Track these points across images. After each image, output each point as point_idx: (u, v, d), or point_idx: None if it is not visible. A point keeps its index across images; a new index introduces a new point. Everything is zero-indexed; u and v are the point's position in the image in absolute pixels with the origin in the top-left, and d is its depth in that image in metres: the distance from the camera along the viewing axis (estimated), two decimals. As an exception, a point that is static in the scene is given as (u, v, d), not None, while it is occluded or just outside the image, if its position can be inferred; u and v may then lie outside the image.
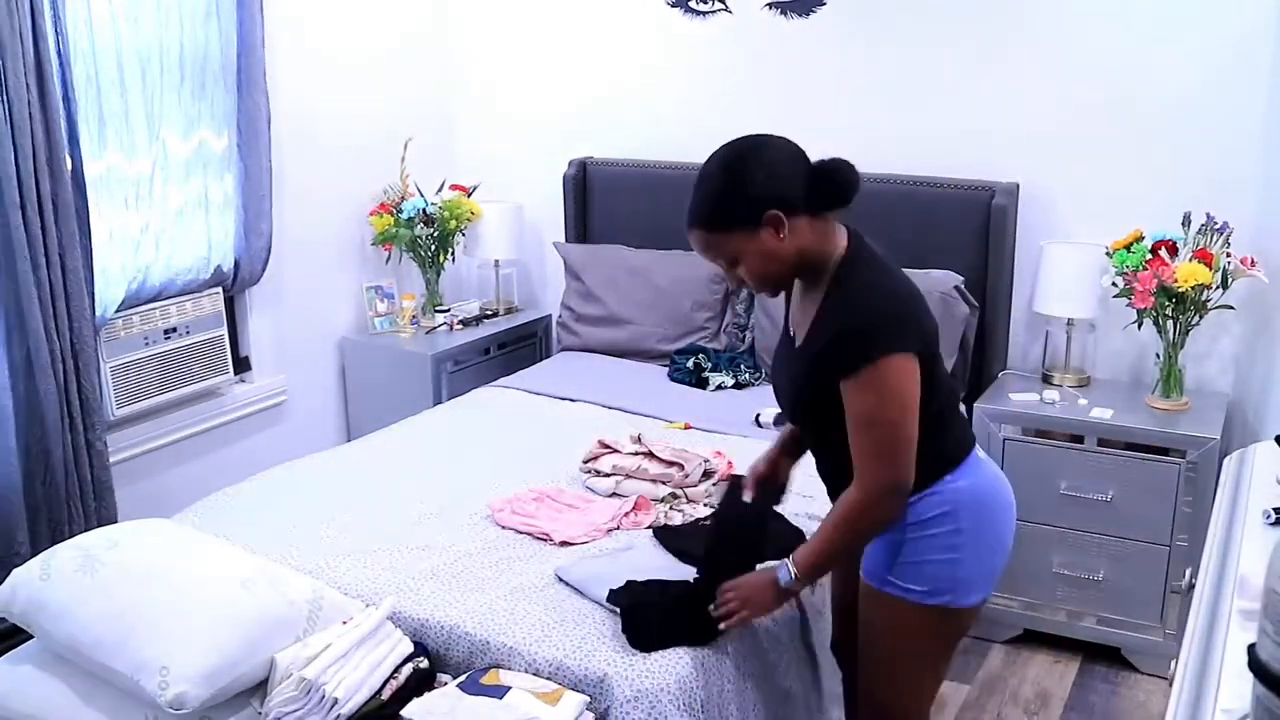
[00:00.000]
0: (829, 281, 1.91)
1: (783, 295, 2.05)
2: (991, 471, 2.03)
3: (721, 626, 2.05)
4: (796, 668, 2.36)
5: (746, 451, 2.85)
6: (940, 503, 1.93)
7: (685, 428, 3.16)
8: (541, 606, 2.20)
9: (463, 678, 2.03)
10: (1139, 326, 3.19)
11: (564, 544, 2.46)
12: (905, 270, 2.05)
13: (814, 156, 1.95)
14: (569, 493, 2.72)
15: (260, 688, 2.04)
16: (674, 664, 2.03)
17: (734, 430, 3.11)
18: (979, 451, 2.03)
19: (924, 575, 1.94)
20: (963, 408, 2.22)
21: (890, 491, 1.87)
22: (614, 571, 2.24)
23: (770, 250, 1.87)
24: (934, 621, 1.97)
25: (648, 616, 2.07)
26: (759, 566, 2.09)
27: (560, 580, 2.29)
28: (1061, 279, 3.27)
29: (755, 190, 1.84)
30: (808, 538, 2.15)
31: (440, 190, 4.08)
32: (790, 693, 2.35)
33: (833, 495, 2.03)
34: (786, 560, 1.98)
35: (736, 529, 2.15)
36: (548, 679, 2.02)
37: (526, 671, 2.05)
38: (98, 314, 2.94)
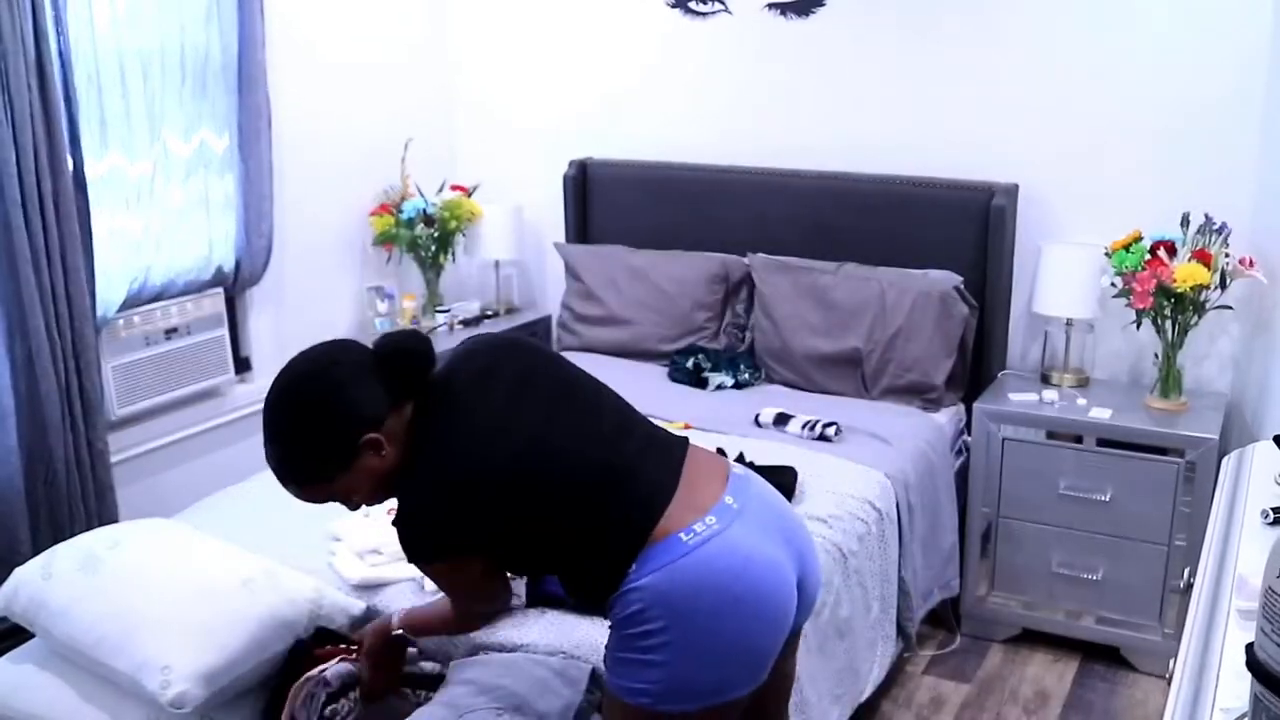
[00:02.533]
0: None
1: None
2: (712, 555, 1.64)
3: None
4: (799, 669, 2.36)
5: (746, 451, 2.87)
6: (630, 603, 1.64)
7: (685, 428, 3.17)
8: (541, 608, 2.20)
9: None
10: (1138, 327, 3.20)
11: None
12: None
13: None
14: None
15: (260, 688, 2.05)
16: (674, 663, 2.04)
17: (734, 430, 3.11)
18: (698, 528, 1.65)
19: (625, 673, 1.68)
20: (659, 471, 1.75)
21: (463, 618, 1.91)
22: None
23: (376, 471, 1.70)
24: None
25: None
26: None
27: None
28: (1060, 279, 3.28)
29: (340, 427, 1.68)
30: None
31: (440, 190, 4.08)
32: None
33: (577, 599, 1.90)
34: (401, 610, 2.02)
35: None
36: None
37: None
38: (99, 314, 2.95)
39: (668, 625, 1.62)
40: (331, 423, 1.68)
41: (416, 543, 1.69)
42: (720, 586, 1.63)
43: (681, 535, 1.65)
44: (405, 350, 1.73)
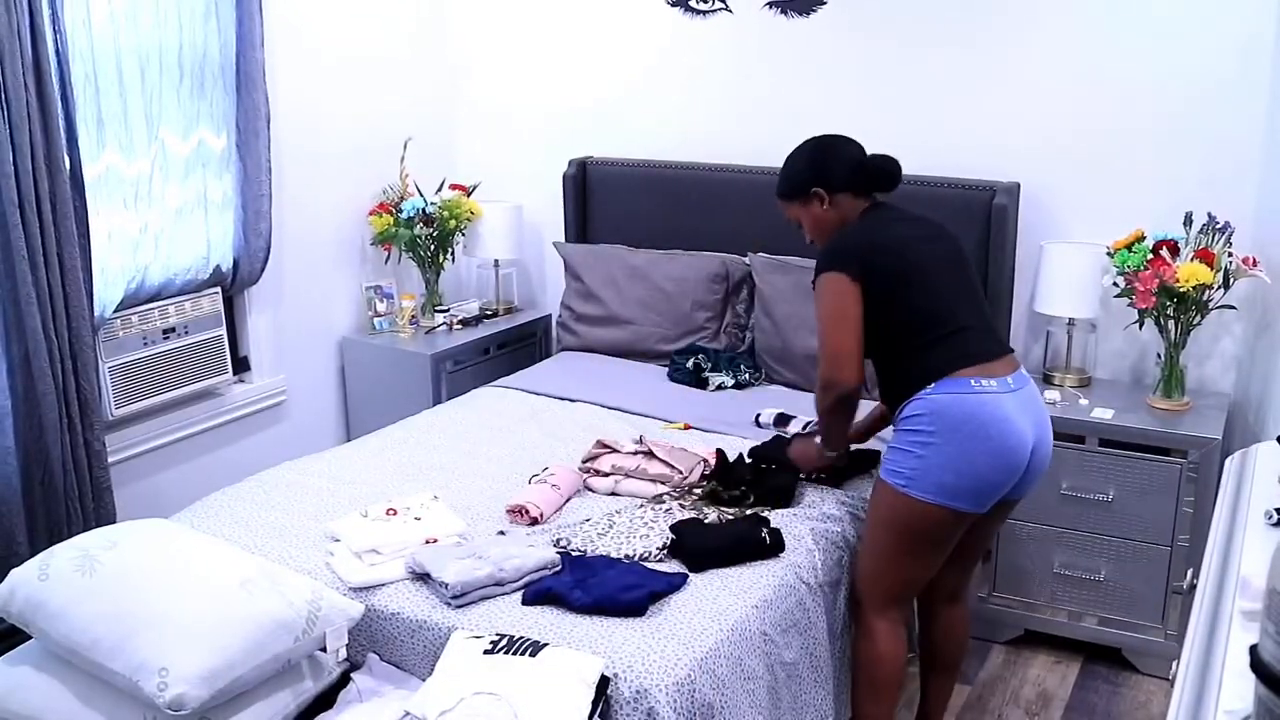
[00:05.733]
0: None
1: None
2: (981, 401, 2.28)
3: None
4: (800, 669, 2.36)
5: (747, 451, 2.86)
6: (917, 407, 2.33)
7: (685, 428, 3.16)
8: (541, 608, 2.20)
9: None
10: (1140, 326, 3.19)
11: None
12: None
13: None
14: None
15: (259, 689, 2.04)
16: (674, 664, 2.03)
17: (734, 430, 3.11)
18: (983, 383, 2.30)
19: (894, 460, 2.37)
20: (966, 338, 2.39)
21: (825, 385, 2.40)
22: (459, 554, 2.29)
23: (817, 216, 2.53)
24: (893, 500, 2.36)
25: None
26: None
27: (411, 571, 2.32)
28: (1062, 279, 3.27)
29: (807, 173, 2.52)
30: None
31: (440, 190, 4.08)
32: (792, 692, 2.35)
33: (883, 398, 2.55)
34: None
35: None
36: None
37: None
38: (96, 314, 2.94)
39: (936, 432, 2.29)
40: (806, 165, 2.53)
41: (824, 256, 2.41)
42: (982, 425, 2.28)
43: (972, 381, 2.30)
44: (877, 165, 2.50)
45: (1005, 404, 2.30)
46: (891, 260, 2.39)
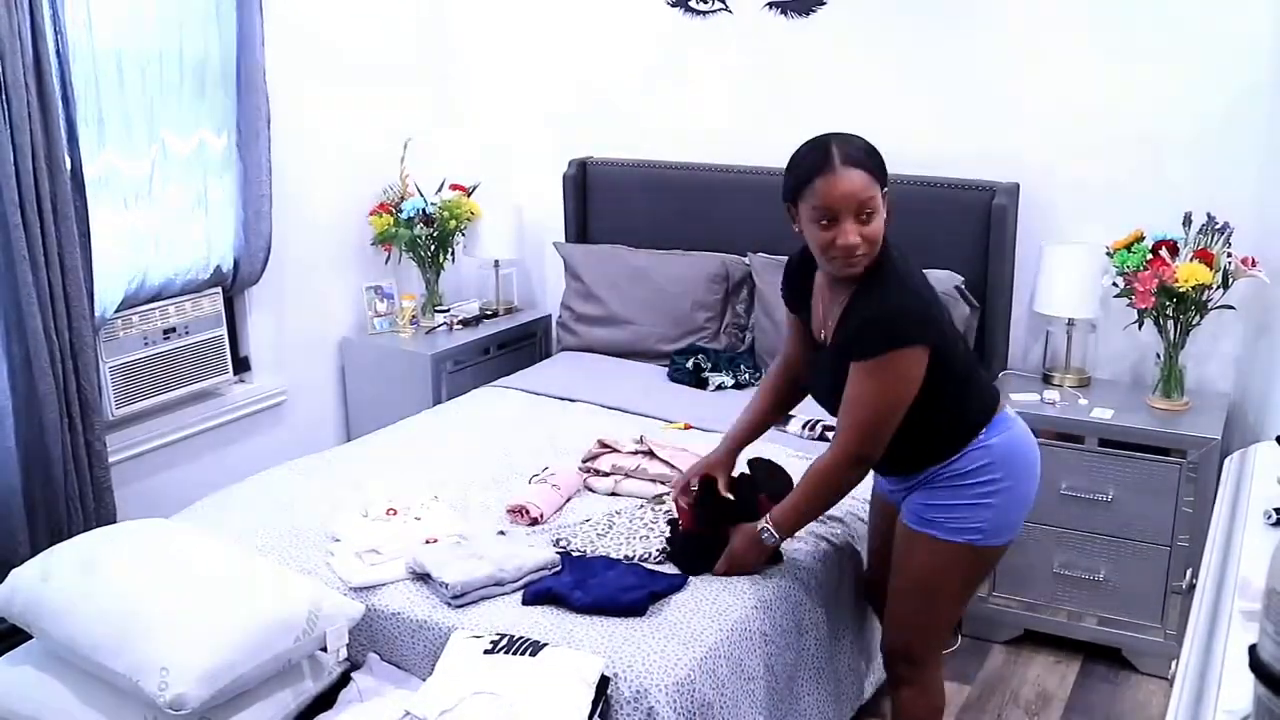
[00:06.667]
0: (858, 283, 2.13)
1: (819, 308, 2.27)
2: (1022, 429, 2.25)
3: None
4: (799, 669, 2.36)
5: (746, 450, 2.86)
6: (979, 457, 2.17)
7: (685, 428, 3.16)
8: (541, 608, 2.20)
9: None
10: (1139, 327, 3.19)
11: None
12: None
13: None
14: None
15: (260, 689, 2.04)
16: (673, 664, 2.03)
17: (734, 430, 3.10)
18: (1008, 410, 2.25)
19: (963, 517, 2.18)
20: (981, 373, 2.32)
21: (857, 461, 2.17)
22: (459, 557, 2.29)
23: (884, 218, 2.10)
24: (970, 557, 2.21)
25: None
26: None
27: (412, 571, 2.32)
28: (1062, 279, 3.27)
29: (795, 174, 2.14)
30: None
31: (440, 190, 4.08)
32: (792, 692, 2.35)
33: (885, 466, 2.29)
34: (766, 521, 2.26)
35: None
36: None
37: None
38: (97, 314, 2.94)
39: (1005, 476, 2.17)
40: (797, 163, 2.12)
41: (908, 323, 2.07)
42: (1031, 451, 2.25)
43: (1007, 413, 2.24)
44: None
45: (1027, 429, 2.29)
46: (946, 312, 2.24)
